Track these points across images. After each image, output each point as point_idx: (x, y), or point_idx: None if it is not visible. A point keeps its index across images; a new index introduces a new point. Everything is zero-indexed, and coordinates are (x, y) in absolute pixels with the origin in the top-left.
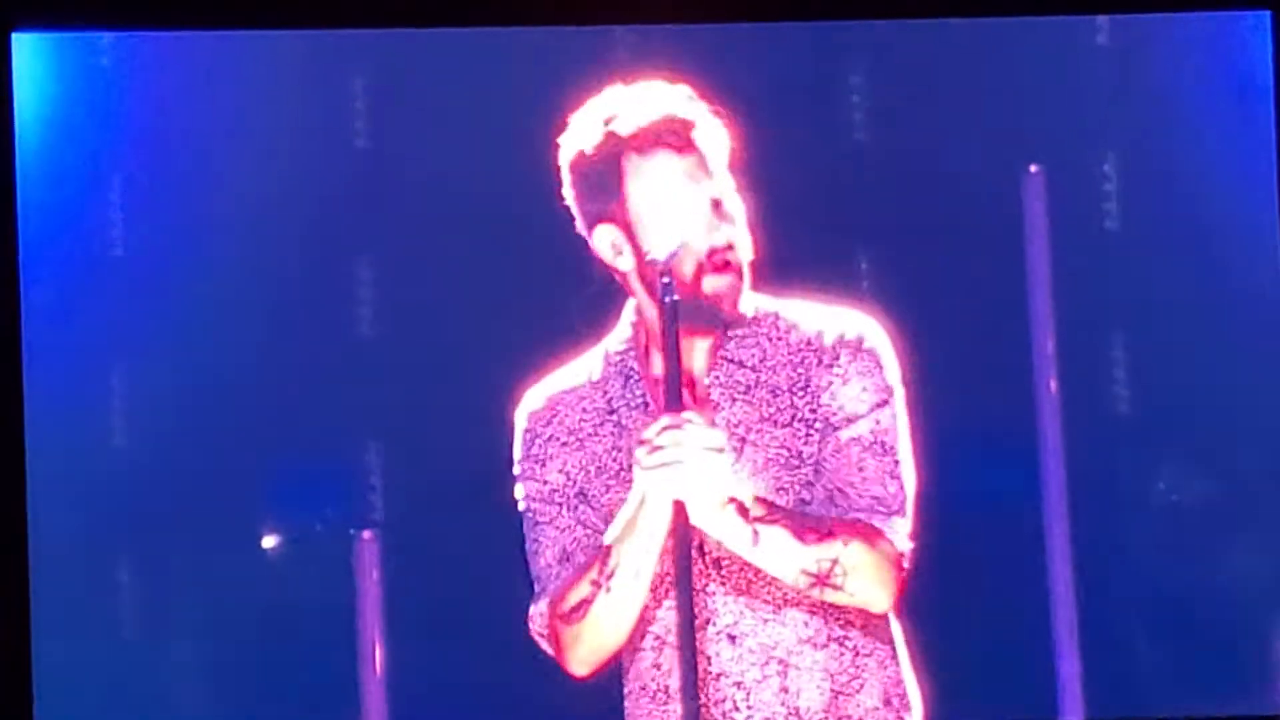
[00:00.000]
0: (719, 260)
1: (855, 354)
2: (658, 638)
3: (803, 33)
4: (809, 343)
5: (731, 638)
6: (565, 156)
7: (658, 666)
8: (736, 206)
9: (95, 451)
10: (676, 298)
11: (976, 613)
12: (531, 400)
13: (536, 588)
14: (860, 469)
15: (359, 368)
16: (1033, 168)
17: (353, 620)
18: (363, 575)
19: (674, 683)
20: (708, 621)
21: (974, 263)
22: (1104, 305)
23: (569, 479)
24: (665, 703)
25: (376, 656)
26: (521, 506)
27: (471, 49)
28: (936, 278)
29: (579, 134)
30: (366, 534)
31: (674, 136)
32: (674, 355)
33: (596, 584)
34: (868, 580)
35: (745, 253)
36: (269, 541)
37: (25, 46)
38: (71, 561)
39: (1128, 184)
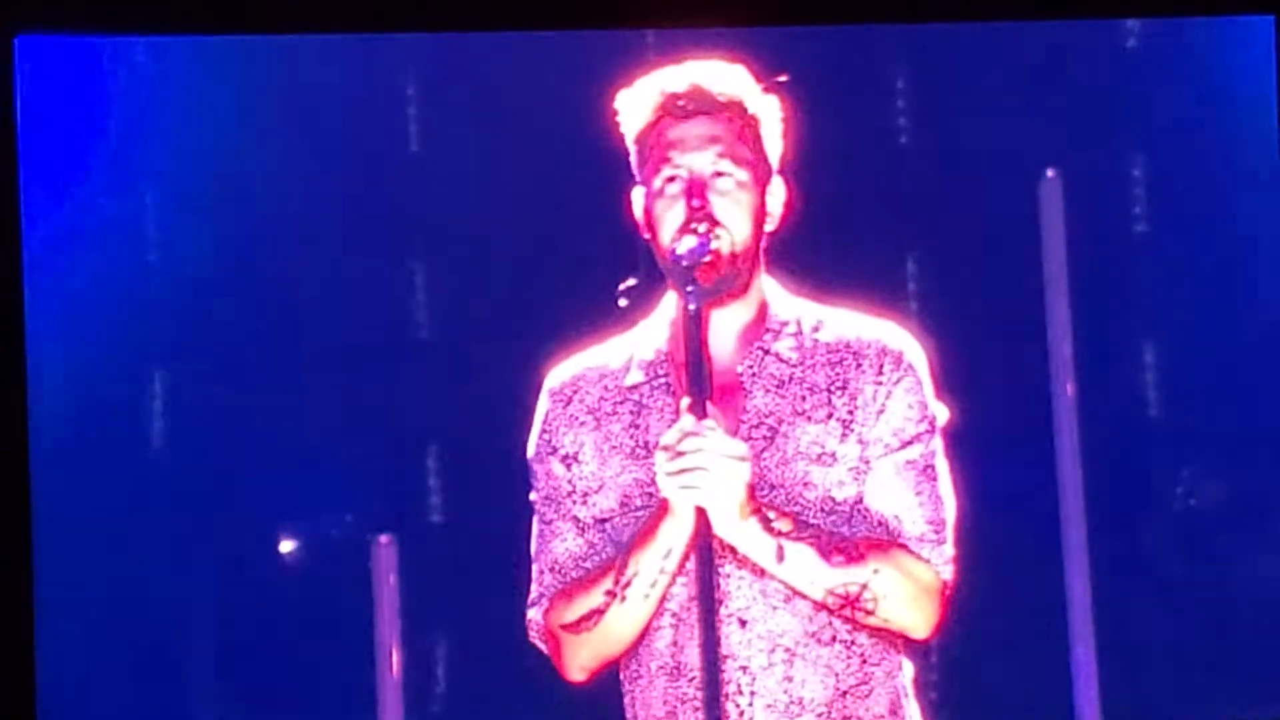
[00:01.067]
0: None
1: (898, 366)
2: (675, 615)
3: (836, 36)
4: (848, 345)
5: (742, 622)
6: (625, 125)
7: (675, 644)
8: (777, 189)
9: (128, 456)
10: (700, 305)
11: (993, 617)
12: (554, 379)
13: (535, 590)
14: (917, 494)
15: (397, 369)
16: (1050, 172)
17: (370, 624)
18: (380, 579)
19: (687, 659)
20: (720, 603)
21: (997, 266)
22: (1124, 309)
23: (579, 468)
24: (678, 679)
25: (393, 660)
26: (532, 496)
27: (520, 52)
28: (960, 280)
29: (633, 102)
30: (384, 538)
31: (715, 105)
32: (699, 360)
33: (611, 594)
34: (902, 608)
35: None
36: (287, 545)
37: (56, 49)
38: (91, 561)
39: (1152, 188)
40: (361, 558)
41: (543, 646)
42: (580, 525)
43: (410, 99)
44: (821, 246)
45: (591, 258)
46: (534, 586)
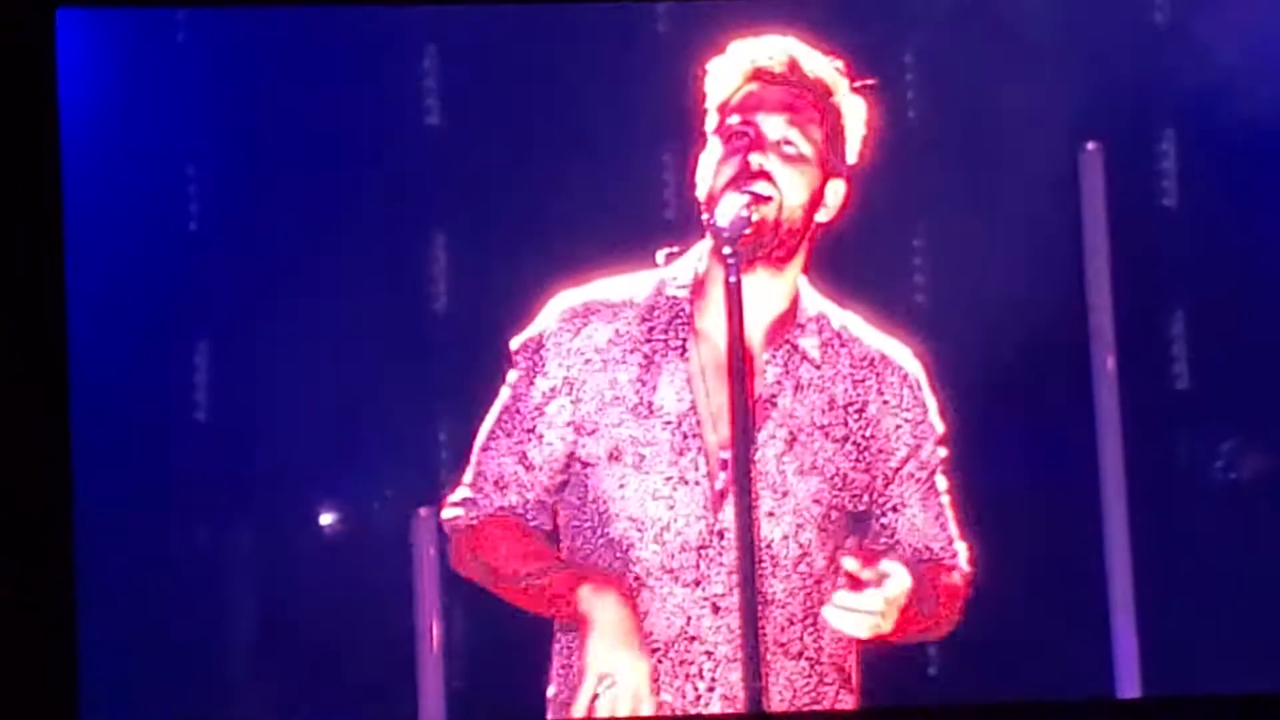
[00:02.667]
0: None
1: (915, 394)
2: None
3: (852, 8)
4: (871, 363)
5: (715, 608)
6: (710, 90)
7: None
8: (839, 186)
9: (173, 426)
10: (739, 278)
11: (1033, 590)
12: (569, 300)
13: (468, 490)
14: (939, 519)
15: (432, 342)
16: (1090, 145)
17: (411, 597)
18: (420, 552)
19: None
20: (697, 582)
21: (1029, 240)
22: (1162, 282)
23: (579, 408)
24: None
25: (434, 633)
26: (505, 394)
27: (540, 23)
28: (992, 255)
29: (724, 68)
30: (423, 511)
31: (802, 80)
32: (739, 331)
33: (525, 586)
34: (945, 621)
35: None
36: (328, 518)
37: (97, 22)
38: (127, 533)
39: (1185, 161)
40: (402, 530)
41: (448, 533)
42: (531, 458)
43: (427, 71)
44: (858, 222)
45: (623, 227)
46: (468, 487)
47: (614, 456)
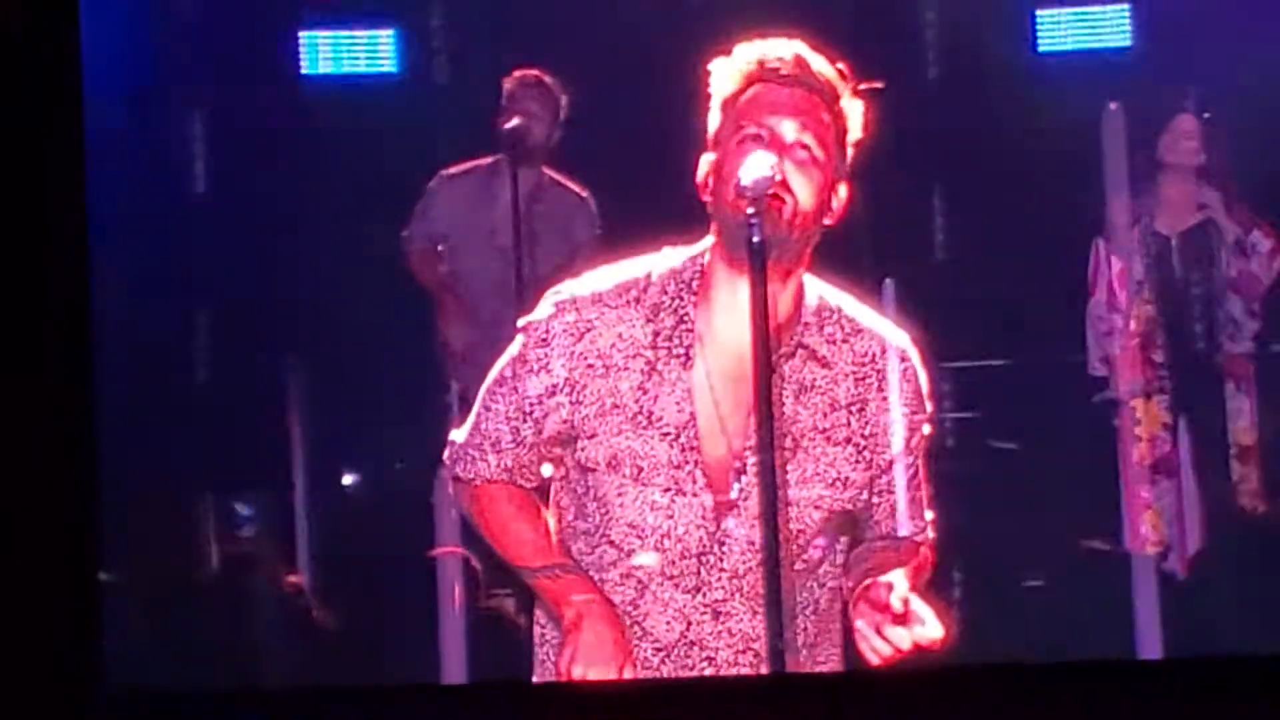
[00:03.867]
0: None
1: (913, 384)
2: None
3: None
4: (873, 358)
5: (716, 614)
6: (715, 90)
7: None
8: (842, 191)
9: (176, 388)
10: (762, 238)
11: (1054, 548)
12: (570, 296)
13: (470, 452)
14: (917, 499)
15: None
16: (1112, 105)
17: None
18: (442, 513)
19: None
20: (698, 588)
21: (1051, 197)
22: None
23: (578, 410)
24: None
25: (455, 594)
26: (508, 364)
27: None
28: (1013, 212)
29: (729, 68)
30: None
31: (813, 82)
32: (761, 301)
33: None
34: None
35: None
36: (350, 479)
37: None
38: (148, 497)
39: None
40: (424, 492)
41: (448, 477)
42: (524, 436)
43: (437, 30)
44: (876, 184)
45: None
46: (471, 449)
47: (613, 465)
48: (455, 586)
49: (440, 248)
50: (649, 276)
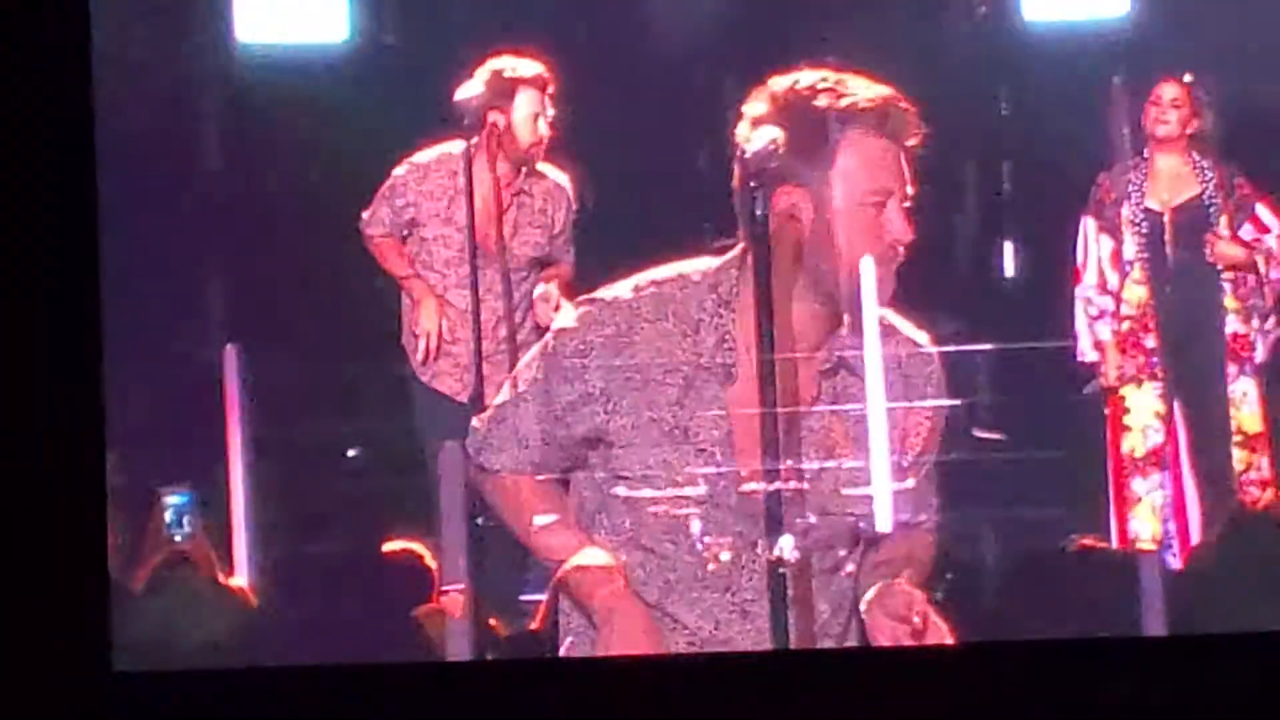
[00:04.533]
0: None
1: (937, 390)
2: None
3: None
4: (899, 363)
5: (745, 613)
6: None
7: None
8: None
9: (185, 360)
10: (766, 213)
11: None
12: (605, 303)
13: (490, 423)
14: (928, 490)
15: None
16: (1116, 79)
17: (437, 528)
18: (448, 483)
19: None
20: (728, 588)
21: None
22: None
23: (612, 419)
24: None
25: (460, 565)
26: (543, 361)
27: None
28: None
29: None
30: (449, 444)
31: (873, 114)
32: (766, 292)
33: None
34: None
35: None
36: (355, 449)
37: None
38: (158, 462)
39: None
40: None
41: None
42: (554, 436)
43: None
44: None
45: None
46: (497, 440)
47: (647, 478)
48: (460, 558)
49: (408, 235)
50: (685, 290)
